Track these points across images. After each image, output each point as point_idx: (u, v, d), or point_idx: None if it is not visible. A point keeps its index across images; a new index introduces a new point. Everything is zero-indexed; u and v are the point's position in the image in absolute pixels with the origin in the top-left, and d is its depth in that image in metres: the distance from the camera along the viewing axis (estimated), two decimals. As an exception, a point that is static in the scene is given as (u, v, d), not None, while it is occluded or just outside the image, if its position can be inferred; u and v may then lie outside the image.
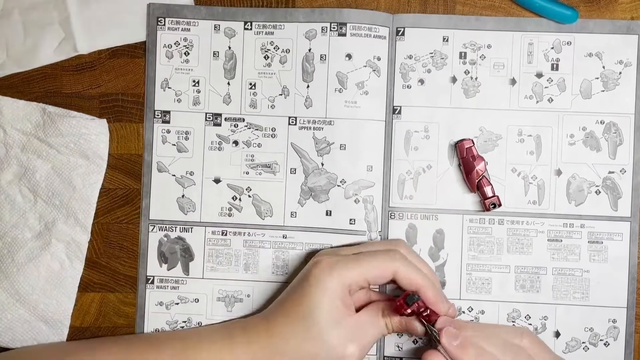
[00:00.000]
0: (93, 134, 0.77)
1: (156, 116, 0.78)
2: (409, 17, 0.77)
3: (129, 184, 0.78)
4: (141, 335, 0.77)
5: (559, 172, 0.76)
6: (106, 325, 0.79)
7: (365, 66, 0.76)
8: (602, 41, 0.76)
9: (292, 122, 0.77)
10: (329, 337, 0.68)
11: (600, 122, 0.76)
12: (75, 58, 0.79)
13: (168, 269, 0.78)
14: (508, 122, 0.76)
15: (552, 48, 0.76)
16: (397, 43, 0.77)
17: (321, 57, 0.76)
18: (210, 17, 0.78)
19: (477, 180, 0.75)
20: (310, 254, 0.76)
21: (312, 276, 0.69)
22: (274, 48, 0.77)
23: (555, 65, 0.76)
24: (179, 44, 0.78)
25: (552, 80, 0.76)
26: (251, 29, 0.77)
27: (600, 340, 0.76)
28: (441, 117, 0.77)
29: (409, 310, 0.67)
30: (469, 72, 0.77)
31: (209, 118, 0.78)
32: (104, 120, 0.78)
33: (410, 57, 0.77)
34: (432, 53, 0.77)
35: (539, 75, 0.77)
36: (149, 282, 0.78)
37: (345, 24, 0.76)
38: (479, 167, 0.75)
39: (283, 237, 0.77)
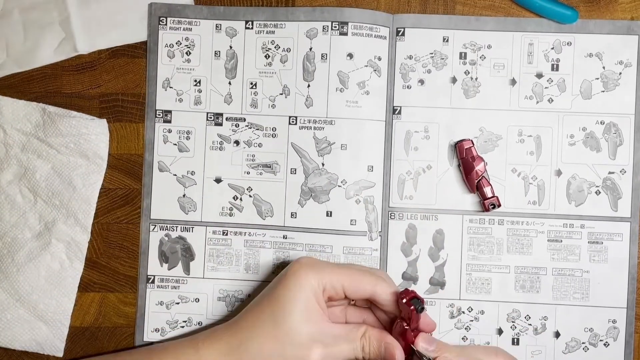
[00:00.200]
0: (93, 134, 0.77)
1: (157, 116, 0.78)
2: (409, 17, 0.77)
3: (129, 184, 0.78)
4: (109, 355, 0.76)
5: (559, 173, 0.76)
6: (106, 325, 0.78)
7: (367, 66, 0.76)
8: (602, 41, 0.76)
9: (293, 121, 0.77)
10: (296, 333, 0.66)
11: (601, 123, 0.76)
12: (75, 58, 0.79)
13: (169, 269, 0.78)
14: (508, 123, 0.77)
15: (552, 48, 0.77)
16: (397, 43, 0.77)
17: (322, 56, 0.76)
18: (211, 17, 0.78)
19: (476, 181, 0.75)
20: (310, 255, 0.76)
21: (291, 272, 0.68)
22: (275, 47, 0.77)
23: (555, 66, 0.77)
24: (181, 43, 0.78)
25: (552, 81, 0.76)
26: (252, 28, 0.77)
27: (600, 340, 0.76)
28: (441, 118, 0.77)
29: (412, 307, 0.66)
30: (469, 73, 0.77)
31: (210, 118, 0.78)
32: (104, 120, 0.78)
33: (410, 57, 0.77)
34: (432, 53, 0.77)
35: (539, 75, 0.77)
36: (150, 281, 0.78)
37: (346, 23, 0.76)
38: (479, 167, 0.75)
39: (283, 237, 0.77)
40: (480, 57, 0.77)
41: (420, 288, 0.77)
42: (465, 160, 0.75)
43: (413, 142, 0.77)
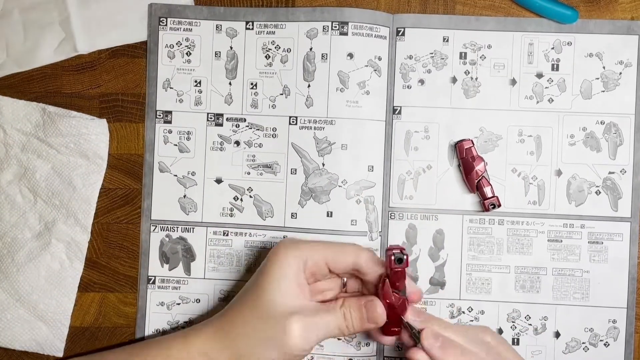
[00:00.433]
0: (93, 134, 0.77)
1: (158, 116, 0.78)
2: (409, 17, 0.77)
3: (129, 184, 0.78)
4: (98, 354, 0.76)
5: (559, 173, 0.76)
6: (106, 325, 0.78)
7: (367, 66, 0.76)
8: (602, 41, 0.76)
9: (293, 121, 0.77)
10: (273, 308, 0.66)
11: (601, 123, 0.76)
12: (75, 58, 0.79)
13: (169, 269, 0.78)
14: (508, 123, 0.77)
15: (553, 48, 0.77)
16: (397, 43, 0.77)
17: (322, 56, 0.76)
18: (211, 17, 0.78)
19: (476, 181, 0.75)
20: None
21: (271, 252, 0.69)
22: (275, 47, 0.77)
23: (555, 66, 0.77)
24: (181, 44, 0.78)
25: (552, 81, 0.76)
26: (252, 28, 0.77)
27: (600, 340, 0.76)
28: (441, 118, 0.77)
29: (398, 268, 0.66)
30: (469, 73, 0.77)
31: (211, 118, 0.78)
32: (104, 120, 0.78)
33: (410, 57, 0.77)
34: (432, 53, 0.77)
35: (539, 75, 0.77)
36: (150, 282, 0.78)
37: (346, 23, 0.76)
38: (479, 167, 0.75)
39: (284, 237, 0.77)
40: (481, 57, 0.77)
41: (420, 288, 0.77)
42: (465, 160, 0.75)
43: (413, 142, 0.77)
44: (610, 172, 0.76)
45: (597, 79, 0.76)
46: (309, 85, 0.77)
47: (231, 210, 0.78)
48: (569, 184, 0.76)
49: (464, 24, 0.77)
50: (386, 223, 0.77)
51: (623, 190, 0.76)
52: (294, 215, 0.77)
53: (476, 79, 0.77)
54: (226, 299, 0.78)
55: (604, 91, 0.76)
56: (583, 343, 0.76)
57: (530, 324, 0.76)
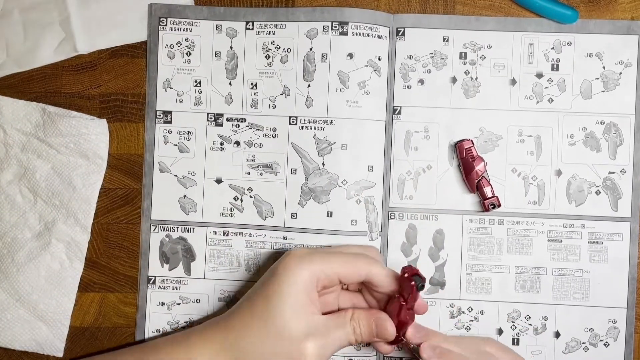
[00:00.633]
0: (93, 134, 0.77)
1: (158, 116, 0.78)
2: (409, 17, 0.77)
3: (129, 184, 0.78)
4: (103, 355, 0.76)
5: (559, 173, 0.76)
6: (106, 326, 0.78)
7: (367, 66, 0.76)
8: (602, 41, 0.76)
9: (293, 121, 0.77)
10: (288, 329, 0.65)
11: (601, 123, 0.76)
12: (75, 58, 0.79)
13: (169, 269, 0.78)
14: (508, 123, 0.77)
15: (553, 48, 0.77)
16: (397, 43, 0.77)
17: (322, 56, 0.76)
18: (211, 18, 0.78)
19: (476, 181, 0.75)
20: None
21: (281, 265, 0.68)
22: (275, 48, 0.77)
23: (555, 66, 0.77)
24: (181, 44, 0.78)
25: (552, 81, 0.76)
26: (252, 28, 0.77)
27: (600, 340, 0.76)
28: (441, 118, 0.77)
29: (412, 283, 0.66)
30: (469, 73, 0.77)
31: (211, 118, 0.78)
32: (104, 120, 0.78)
33: (410, 57, 0.77)
34: (432, 53, 0.77)
35: (539, 75, 0.77)
36: (151, 282, 0.78)
37: (346, 23, 0.76)
38: (479, 167, 0.75)
39: (284, 238, 0.77)
40: (480, 57, 0.77)
41: (420, 288, 0.77)
42: (465, 160, 0.75)
43: (413, 142, 0.77)
44: (610, 172, 0.76)
45: (597, 79, 0.76)
46: (309, 85, 0.77)
47: (231, 210, 0.78)
48: (569, 184, 0.76)
49: (464, 24, 0.77)
50: (386, 223, 0.77)
51: (623, 190, 0.76)
52: (294, 215, 0.77)
53: (476, 79, 0.77)
54: (226, 299, 0.78)
55: (604, 91, 0.76)
56: (583, 343, 0.76)
57: (530, 324, 0.76)
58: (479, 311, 0.77)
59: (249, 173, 0.77)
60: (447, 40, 0.77)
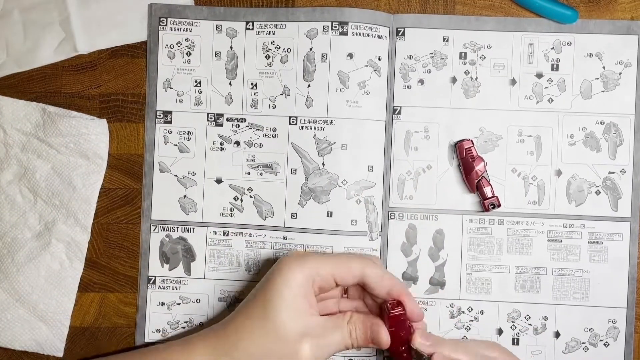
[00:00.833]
0: (93, 134, 0.77)
1: (158, 116, 0.78)
2: (409, 17, 0.77)
3: (129, 184, 0.78)
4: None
5: (559, 173, 0.76)
6: (106, 326, 0.79)
7: (367, 66, 0.76)
8: (602, 41, 0.76)
9: (293, 122, 0.77)
10: (284, 330, 0.66)
11: (600, 123, 0.76)
12: (75, 58, 0.79)
13: (170, 269, 0.78)
14: (508, 123, 0.77)
15: (552, 48, 0.77)
16: (397, 43, 0.77)
17: (322, 56, 0.76)
18: (212, 18, 0.78)
19: (476, 181, 0.75)
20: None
21: (278, 269, 0.68)
22: (275, 48, 0.77)
23: (555, 66, 0.77)
24: (181, 44, 0.78)
25: (552, 81, 0.76)
26: (252, 28, 0.77)
27: (600, 340, 0.76)
28: (441, 118, 0.77)
29: (397, 312, 0.67)
30: (469, 73, 0.77)
31: (211, 118, 0.78)
32: (104, 120, 0.78)
33: (410, 57, 0.77)
34: (432, 53, 0.77)
35: (539, 75, 0.77)
36: (151, 282, 0.78)
37: (346, 23, 0.76)
38: (478, 167, 0.75)
39: (284, 238, 0.77)
40: (480, 57, 0.77)
41: (420, 288, 0.77)
42: (465, 160, 0.75)
43: (413, 142, 0.77)
44: (610, 172, 0.76)
45: (597, 79, 0.76)
46: (309, 85, 0.77)
47: (231, 210, 0.78)
48: (568, 184, 0.76)
49: (464, 24, 0.77)
50: (386, 223, 0.77)
51: (623, 190, 0.76)
52: (294, 215, 0.77)
53: (476, 79, 0.77)
54: (226, 299, 0.78)
55: (603, 91, 0.76)
56: (583, 343, 0.76)
57: (530, 324, 0.76)
58: (479, 311, 0.77)
59: (249, 173, 0.77)
60: (447, 40, 0.77)
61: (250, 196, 0.77)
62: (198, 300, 0.78)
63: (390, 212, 0.77)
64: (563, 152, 0.76)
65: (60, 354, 0.78)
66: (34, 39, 0.78)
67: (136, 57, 0.78)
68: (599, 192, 0.76)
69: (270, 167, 0.77)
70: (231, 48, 0.78)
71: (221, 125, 0.78)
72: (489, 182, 0.75)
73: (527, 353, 0.76)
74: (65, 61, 0.79)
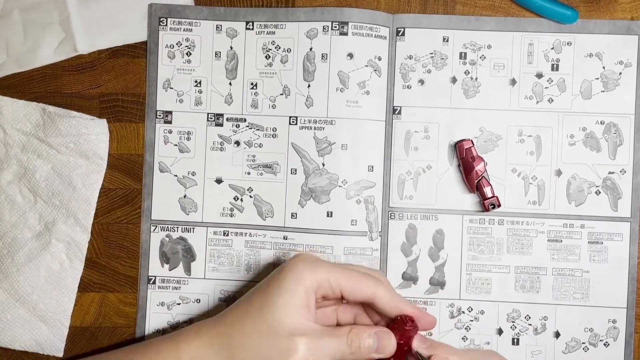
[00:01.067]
0: (93, 134, 0.77)
1: (158, 116, 0.78)
2: (409, 17, 0.77)
3: (129, 184, 0.78)
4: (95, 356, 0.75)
5: (559, 173, 0.76)
6: (106, 325, 0.79)
7: (367, 66, 0.76)
8: (602, 41, 0.76)
9: (293, 122, 0.77)
10: (279, 323, 0.65)
11: (601, 123, 0.76)
12: (75, 58, 0.79)
13: (170, 269, 0.78)
14: (508, 123, 0.77)
15: (552, 48, 0.77)
16: (397, 43, 0.77)
17: (322, 56, 0.76)
18: (212, 18, 0.78)
19: (476, 181, 0.75)
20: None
21: (288, 265, 0.67)
22: (275, 48, 0.77)
23: (555, 66, 0.77)
24: (181, 44, 0.78)
25: (552, 81, 0.76)
26: (253, 28, 0.77)
27: (600, 340, 0.76)
28: (441, 118, 0.77)
29: (409, 327, 0.67)
30: (469, 73, 0.77)
31: (211, 118, 0.78)
32: (104, 120, 0.78)
33: (410, 57, 0.77)
34: (432, 53, 0.77)
35: (539, 75, 0.77)
36: (151, 282, 0.78)
37: (346, 23, 0.76)
38: (478, 167, 0.75)
39: (284, 238, 0.77)
40: (480, 57, 0.77)
41: (420, 288, 0.77)
42: (465, 160, 0.75)
43: (413, 142, 0.77)
44: (610, 172, 0.76)
45: (597, 79, 0.76)
46: (309, 85, 0.77)
47: (231, 210, 0.78)
48: (568, 184, 0.76)
49: (464, 24, 0.77)
50: (386, 223, 0.77)
51: (623, 190, 0.76)
52: (294, 215, 0.77)
53: (476, 79, 0.77)
54: (226, 299, 0.78)
55: (603, 91, 0.76)
56: (583, 343, 0.76)
57: (530, 324, 0.76)
58: (479, 311, 0.77)
59: (249, 173, 0.77)
60: (447, 40, 0.77)
61: (250, 196, 0.77)
62: (198, 300, 0.78)
63: (390, 212, 0.77)
64: (563, 152, 0.76)
65: (60, 354, 0.78)
66: (34, 39, 0.78)
67: (136, 57, 0.78)
68: (599, 192, 0.76)
69: (270, 167, 0.77)
70: (231, 48, 0.78)
71: (221, 125, 0.78)
72: (489, 182, 0.75)
73: (527, 353, 0.76)
74: (65, 61, 0.79)
